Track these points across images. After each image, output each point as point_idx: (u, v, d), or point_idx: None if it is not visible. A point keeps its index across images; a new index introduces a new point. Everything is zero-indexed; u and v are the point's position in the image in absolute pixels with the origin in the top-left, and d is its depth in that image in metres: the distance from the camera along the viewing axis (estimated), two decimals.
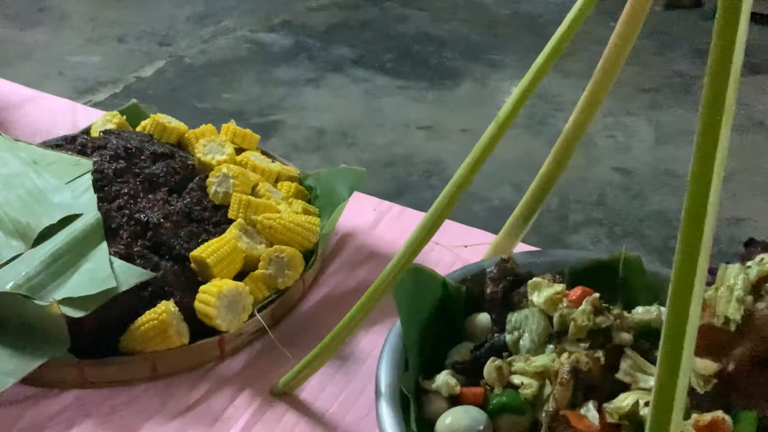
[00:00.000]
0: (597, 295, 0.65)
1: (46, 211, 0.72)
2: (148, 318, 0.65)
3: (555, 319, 0.65)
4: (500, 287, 0.70)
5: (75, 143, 0.87)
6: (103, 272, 0.66)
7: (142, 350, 0.66)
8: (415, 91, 3.28)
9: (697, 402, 0.56)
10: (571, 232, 2.40)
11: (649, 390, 0.60)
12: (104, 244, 0.70)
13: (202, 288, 0.69)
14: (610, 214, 2.55)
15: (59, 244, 0.69)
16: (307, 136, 2.79)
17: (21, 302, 0.64)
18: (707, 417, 0.54)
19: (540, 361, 0.63)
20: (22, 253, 0.69)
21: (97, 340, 0.67)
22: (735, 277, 0.56)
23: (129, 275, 0.67)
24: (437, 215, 0.59)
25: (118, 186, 0.79)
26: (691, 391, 0.56)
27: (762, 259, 0.56)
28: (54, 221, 0.71)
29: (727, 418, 0.54)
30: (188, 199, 0.81)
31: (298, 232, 0.77)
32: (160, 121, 0.92)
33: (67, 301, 0.64)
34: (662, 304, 0.68)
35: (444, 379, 0.63)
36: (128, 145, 0.84)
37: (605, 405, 0.60)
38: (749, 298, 0.54)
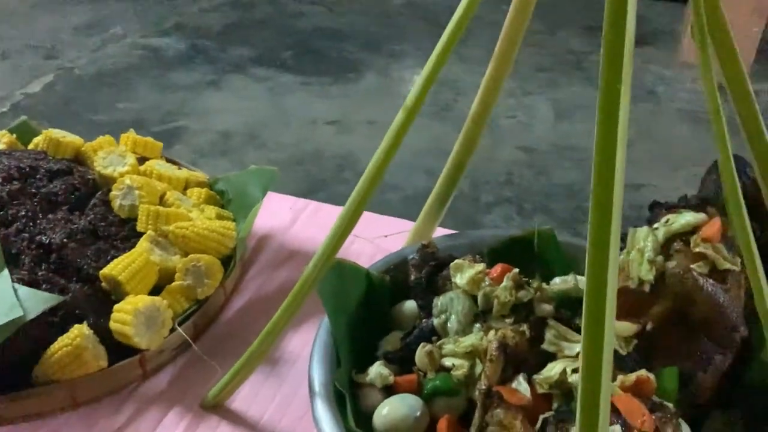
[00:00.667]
0: (516, 270, 0.66)
1: None
2: (62, 344, 0.62)
3: (479, 298, 0.66)
4: (423, 273, 0.71)
5: None
6: (7, 301, 0.62)
7: (58, 379, 0.62)
8: (319, 87, 3.25)
9: (620, 363, 0.58)
10: (484, 213, 2.45)
11: (574, 357, 0.62)
12: (6, 272, 0.66)
13: (116, 307, 0.66)
14: (519, 191, 2.62)
15: None
16: (212, 141, 2.72)
17: None
18: (632, 377, 0.56)
19: (469, 341, 0.64)
20: None
21: (6, 375, 0.63)
22: (644, 239, 0.58)
23: (36, 301, 0.63)
24: (354, 208, 0.59)
25: (14, 209, 0.75)
26: (615, 354, 0.58)
27: (668, 219, 0.59)
28: None
29: (651, 375, 0.56)
30: (92, 216, 0.77)
31: (213, 239, 0.74)
32: (54, 136, 0.87)
33: None
34: (578, 273, 0.70)
35: (377, 370, 0.63)
36: (21, 165, 0.79)
37: (535, 377, 0.61)
38: (660, 259, 0.57)
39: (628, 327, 0.58)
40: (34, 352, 0.63)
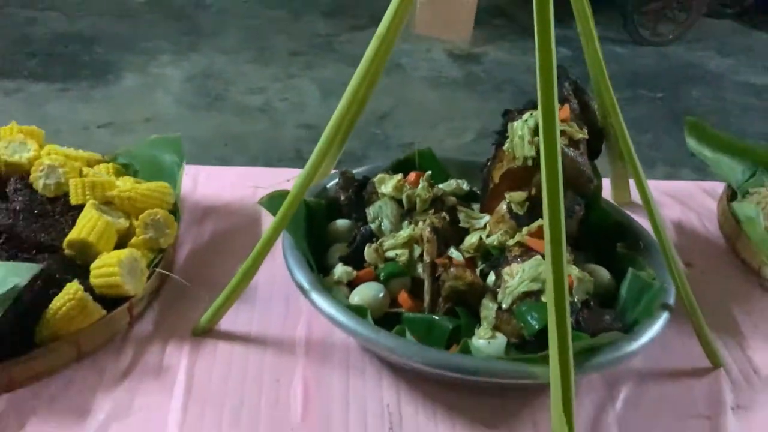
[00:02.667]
0: (429, 172, 0.84)
1: None
2: (64, 301, 0.66)
3: (404, 200, 0.83)
4: (350, 192, 0.86)
5: None
6: (16, 272, 0.65)
7: (65, 333, 0.67)
8: (78, 92, 3.12)
9: (521, 221, 0.79)
10: None
11: (482, 228, 0.82)
12: None
13: (96, 264, 0.72)
14: None
15: None
16: None
17: None
18: (533, 226, 0.77)
19: (405, 233, 0.80)
20: None
21: (7, 342, 0.66)
22: (521, 129, 0.79)
23: (21, 271, 0.67)
24: (332, 136, 0.71)
25: None
26: (516, 216, 0.79)
27: (531, 113, 0.81)
28: None
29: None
30: (20, 199, 0.79)
31: (156, 197, 0.82)
32: None
33: None
34: (455, 178, 0.90)
35: (341, 270, 0.78)
36: None
37: (461, 246, 0.80)
38: (536, 139, 0.78)
39: (520, 195, 0.79)
40: (29, 317, 0.66)
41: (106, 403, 0.66)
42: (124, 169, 0.92)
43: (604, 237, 0.85)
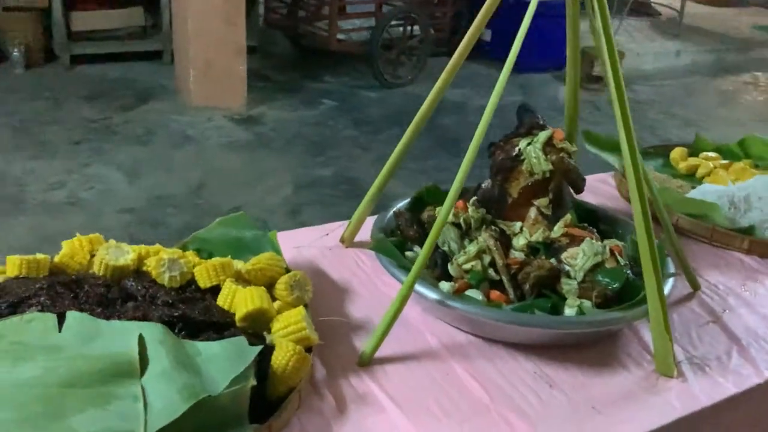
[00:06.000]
0: (474, 198, 1.07)
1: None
2: (287, 358, 0.76)
3: (462, 223, 1.05)
4: (414, 229, 1.05)
5: None
6: (239, 349, 0.74)
7: (294, 384, 0.77)
8: None
9: (550, 218, 1.05)
10: None
11: (519, 232, 1.07)
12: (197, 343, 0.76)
13: (279, 325, 0.82)
14: None
15: (168, 359, 0.72)
16: None
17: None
18: (566, 219, 1.04)
19: (473, 248, 1.02)
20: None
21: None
22: (534, 151, 1.06)
23: (244, 352, 0.75)
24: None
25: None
26: (544, 215, 1.05)
27: (531, 139, 1.07)
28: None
29: (569, 215, 1.05)
30: (162, 292, 0.86)
31: (275, 265, 0.92)
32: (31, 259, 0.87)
33: (235, 381, 0.71)
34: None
35: (448, 285, 0.97)
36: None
37: (513, 248, 1.04)
38: (550, 156, 1.05)
39: (545, 200, 1.06)
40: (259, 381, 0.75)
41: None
42: (197, 253, 1.00)
43: (587, 219, 1.14)
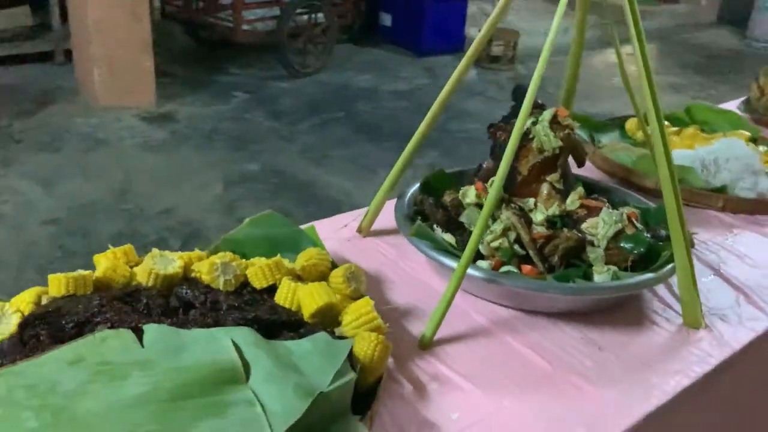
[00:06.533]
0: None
1: None
2: (372, 347, 0.76)
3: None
4: (440, 212, 1.08)
5: None
6: (328, 344, 0.74)
7: (380, 371, 0.79)
8: None
9: (562, 193, 1.10)
10: None
11: (535, 209, 1.12)
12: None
13: (350, 318, 0.82)
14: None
15: (269, 360, 0.71)
16: None
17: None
18: (578, 192, 1.10)
19: (497, 226, 1.06)
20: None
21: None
22: (542, 129, 1.10)
23: (336, 349, 0.76)
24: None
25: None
26: (558, 191, 1.11)
27: (536, 118, 1.12)
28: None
29: (580, 187, 1.11)
30: (222, 297, 0.84)
31: (324, 261, 0.93)
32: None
33: (338, 376, 0.72)
34: (461, 185, 1.18)
35: (486, 263, 1.01)
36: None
37: (534, 223, 1.09)
38: (558, 133, 1.10)
39: (556, 175, 1.11)
40: None
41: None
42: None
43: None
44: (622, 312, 1.01)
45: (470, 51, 1.10)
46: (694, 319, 0.98)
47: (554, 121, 1.12)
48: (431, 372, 0.86)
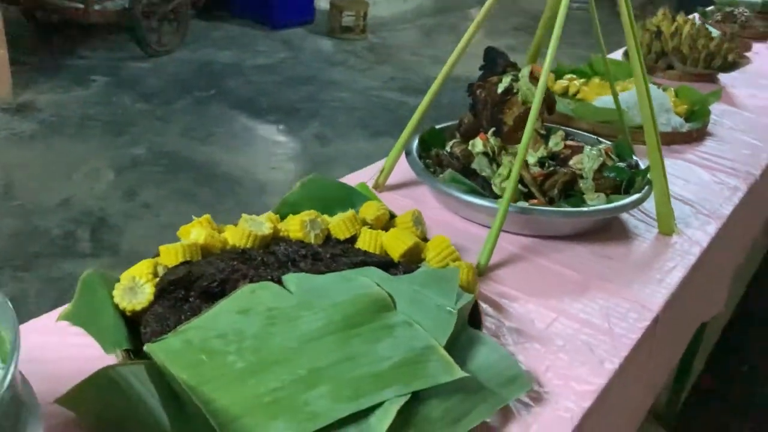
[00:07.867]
0: (492, 129, 1.27)
1: None
2: (466, 274, 0.92)
3: (490, 152, 1.25)
4: (454, 158, 1.23)
5: None
6: (435, 274, 0.88)
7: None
8: None
9: (544, 138, 1.30)
10: None
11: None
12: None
13: (433, 254, 0.95)
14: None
15: (404, 288, 0.84)
16: None
17: None
18: (559, 135, 1.30)
19: (503, 170, 1.23)
20: None
21: None
22: (524, 84, 1.29)
23: (446, 271, 0.90)
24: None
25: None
26: (541, 135, 1.30)
27: (515, 75, 1.30)
28: None
29: (560, 132, 1.31)
30: (322, 248, 0.94)
31: (384, 209, 1.05)
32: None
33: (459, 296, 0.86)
34: (448, 139, 1.34)
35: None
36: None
37: (530, 165, 1.28)
38: (531, 87, 1.29)
39: (538, 123, 1.30)
40: None
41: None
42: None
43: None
44: (611, 231, 1.23)
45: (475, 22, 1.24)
46: (668, 227, 1.22)
47: (532, 76, 1.31)
48: (497, 291, 1.02)
